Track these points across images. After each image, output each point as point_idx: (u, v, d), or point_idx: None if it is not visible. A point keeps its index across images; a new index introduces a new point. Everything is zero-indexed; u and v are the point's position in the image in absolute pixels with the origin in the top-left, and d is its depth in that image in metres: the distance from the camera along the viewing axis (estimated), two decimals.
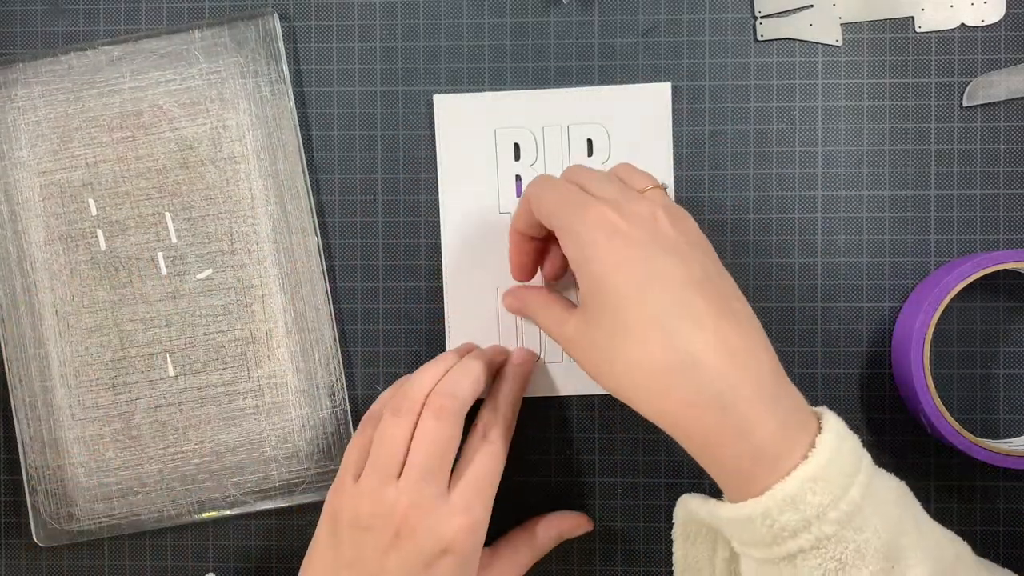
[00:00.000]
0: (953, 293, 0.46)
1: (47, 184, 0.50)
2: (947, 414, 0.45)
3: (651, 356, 0.38)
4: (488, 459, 0.44)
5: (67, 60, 0.50)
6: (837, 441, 0.37)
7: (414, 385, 0.45)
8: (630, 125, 0.49)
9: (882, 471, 0.39)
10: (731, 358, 0.37)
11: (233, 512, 0.50)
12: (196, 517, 0.50)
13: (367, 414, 0.47)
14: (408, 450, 0.43)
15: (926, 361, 0.46)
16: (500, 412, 0.46)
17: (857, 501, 0.36)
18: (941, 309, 0.46)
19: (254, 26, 0.49)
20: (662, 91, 0.49)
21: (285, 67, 0.49)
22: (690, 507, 0.42)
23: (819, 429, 0.38)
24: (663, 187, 0.43)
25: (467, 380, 0.45)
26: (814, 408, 0.39)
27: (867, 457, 0.38)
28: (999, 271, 0.47)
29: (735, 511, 0.37)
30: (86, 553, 0.51)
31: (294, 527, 0.51)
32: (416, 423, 0.43)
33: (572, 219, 0.40)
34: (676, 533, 0.44)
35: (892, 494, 0.38)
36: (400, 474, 0.42)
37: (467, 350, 0.48)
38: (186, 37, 0.50)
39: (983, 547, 0.49)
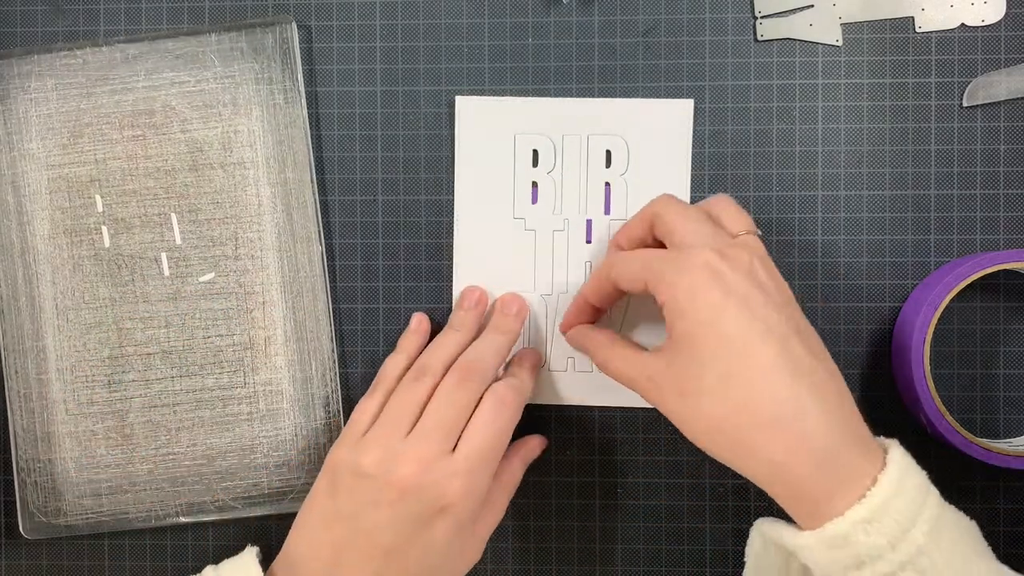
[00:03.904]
0: (953, 293, 0.46)
1: (55, 178, 0.50)
2: (947, 414, 0.45)
3: (758, 404, 0.38)
4: (498, 423, 0.44)
5: (82, 55, 0.50)
6: (899, 479, 0.37)
7: (436, 353, 0.46)
8: (650, 139, 0.49)
9: (951, 509, 0.39)
10: (825, 406, 0.38)
11: (221, 517, 0.50)
12: (184, 519, 0.50)
13: (377, 379, 0.47)
14: (422, 412, 0.44)
15: (926, 361, 0.46)
16: (519, 378, 0.47)
17: (920, 543, 0.36)
18: (941, 309, 0.46)
19: (271, 33, 0.49)
20: (684, 108, 0.49)
21: (300, 76, 0.49)
22: (764, 531, 0.42)
23: (884, 464, 0.38)
24: (758, 234, 0.43)
25: (491, 351, 0.46)
26: (881, 440, 0.40)
27: (934, 495, 0.38)
28: (999, 271, 0.47)
29: (804, 538, 0.38)
30: (86, 552, 0.52)
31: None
32: (434, 388, 0.44)
33: (668, 267, 0.40)
34: (749, 562, 0.44)
35: (961, 535, 0.38)
36: (410, 432, 0.43)
37: (480, 313, 0.49)
38: (203, 39, 0.50)
39: None
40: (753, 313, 0.39)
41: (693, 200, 0.50)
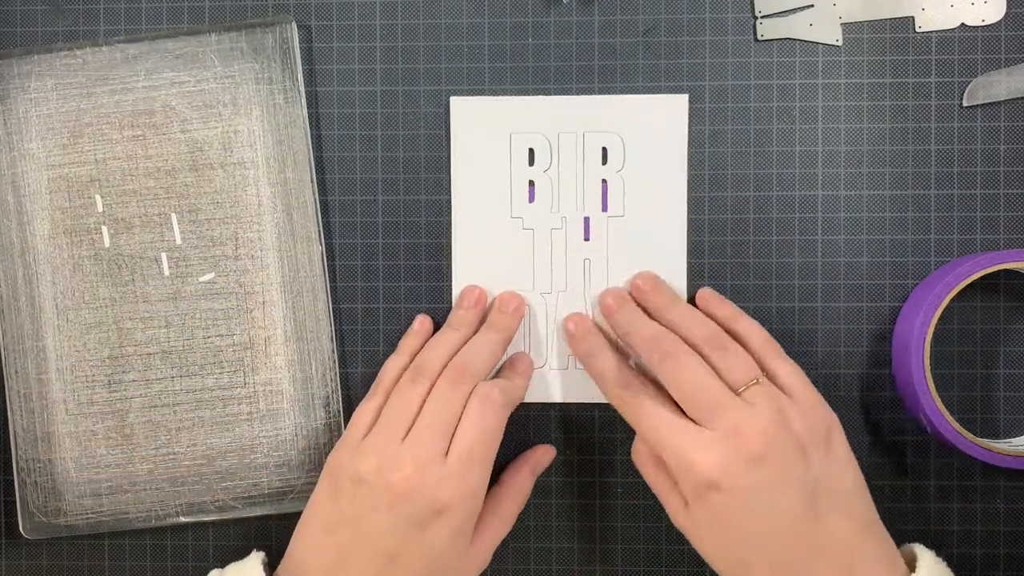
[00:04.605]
0: (953, 293, 0.46)
1: (55, 178, 0.50)
2: (947, 414, 0.45)
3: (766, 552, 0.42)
4: (484, 422, 0.44)
5: (82, 55, 0.50)
6: None
7: (433, 353, 0.47)
8: (646, 135, 0.49)
9: None
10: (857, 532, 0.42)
11: (221, 517, 0.50)
12: (184, 519, 0.50)
13: (377, 381, 0.48)
14: (419, 413, 0.44)
15: (926, 361, 0.46)
16: (508, 379, 0.47)
17: None
18: (941, 309, 0.46)
19: (271, 33, 0.49)
20: (679, 103, 0.49)
21: (300, 76, 0.49)
22: None
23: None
24: (759, 381, 0.43)
25: (485, 350, 0.47)
26: (910, 545, 0.43)
27: None
28: (999, 271, 0.47)
29: None
30: (86, 552, 0.52)
31: (295, 527, 0.51)
32: (431, 389, 0.45)
33: (683, 451, 0.42)
34: None
35: None
36: (406, 436, 0.44)
37: (479, 312, 0.49)
38: (203, 39, 0.50)
39: (983, 547, 0.49)
40: (787, 489, 0.41)
41: (696, 200, 0.50)
